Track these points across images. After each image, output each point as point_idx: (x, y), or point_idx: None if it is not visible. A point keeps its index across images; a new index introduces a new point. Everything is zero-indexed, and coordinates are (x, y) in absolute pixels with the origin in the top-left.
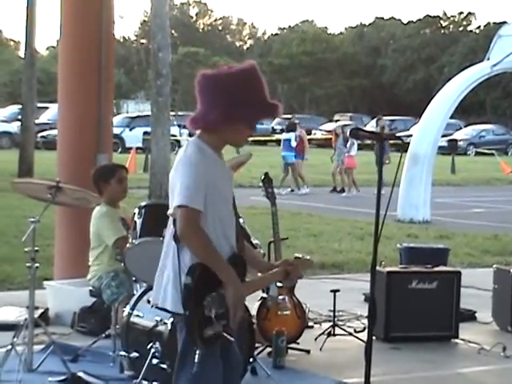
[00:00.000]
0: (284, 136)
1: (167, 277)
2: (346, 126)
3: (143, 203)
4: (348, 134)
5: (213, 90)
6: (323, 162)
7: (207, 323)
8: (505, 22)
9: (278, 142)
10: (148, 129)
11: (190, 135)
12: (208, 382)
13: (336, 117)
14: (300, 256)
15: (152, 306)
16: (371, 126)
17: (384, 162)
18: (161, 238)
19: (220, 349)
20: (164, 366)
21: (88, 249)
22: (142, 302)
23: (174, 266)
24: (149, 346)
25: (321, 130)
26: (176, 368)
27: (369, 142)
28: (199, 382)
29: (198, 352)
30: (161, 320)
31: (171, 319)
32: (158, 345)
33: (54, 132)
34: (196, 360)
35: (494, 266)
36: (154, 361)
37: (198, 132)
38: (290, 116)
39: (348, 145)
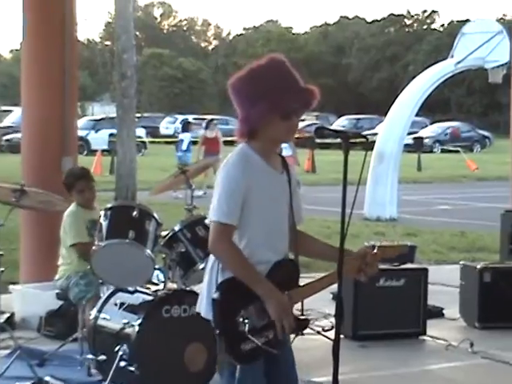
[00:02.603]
0: (180, 136)
1: (204, 286)
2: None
3: (109, 205)
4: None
5: (236, 93)
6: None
7: (243, 339)
8: (468, 20)
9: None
10: (114, 131)
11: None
12: None
13: (302, 116)
14: (385, 244)
15: (119, 308)
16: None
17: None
18: (126, 240)
19: (266, 364)
20: (132, 368)
21: (53, 252)
22: (109, 305)
23: (211, 277)
24: (116, 349)
25: None
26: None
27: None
28: None
29: (238, 367)
30: (128, 322)
31: (138, 321)
32: (125, 347)
33: (18, 135)
34: (237, 375)
35: (461, 262)
36: (122, 363)
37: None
38: None
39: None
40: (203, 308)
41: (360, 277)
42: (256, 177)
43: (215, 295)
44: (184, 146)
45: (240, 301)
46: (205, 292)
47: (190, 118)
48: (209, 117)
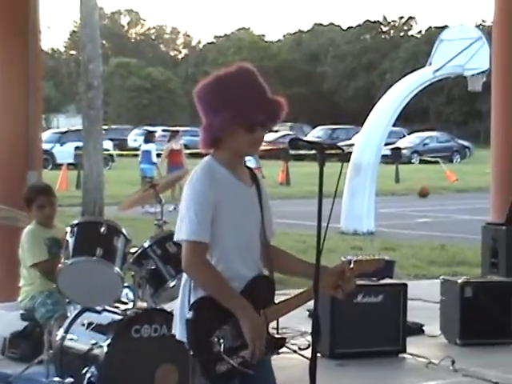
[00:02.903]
0: (143, 147)
1: (177, 307)
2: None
3: (75, 221)
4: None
5: (200, 101)
6: (268, 174)
7: (218, 359)
8: (446, 26)
9: None
10: (80, 143)
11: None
12: None
13: (275, 126)
14: (361, 258)
15: (87, 329)
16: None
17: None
18: (94, 258)
19: None
20: None
21: (17, 270)
22: (76, 325)
23: (183, 297)
24: (84, 371)
25: None
26: None
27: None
28: None
29: None
30: (96, 343)
31: (107, 341)
32: (93, 369)
33: None
34: None
35: (441, 277)
36: None
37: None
38: None
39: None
40: (177, 330)
41: (337, 294)
42: (223, 190)
43: (188, 315)
44: (154, 158)
45: (214, 320)
46: (177, 313)
47: (159, 129)
48: (180, 128)
